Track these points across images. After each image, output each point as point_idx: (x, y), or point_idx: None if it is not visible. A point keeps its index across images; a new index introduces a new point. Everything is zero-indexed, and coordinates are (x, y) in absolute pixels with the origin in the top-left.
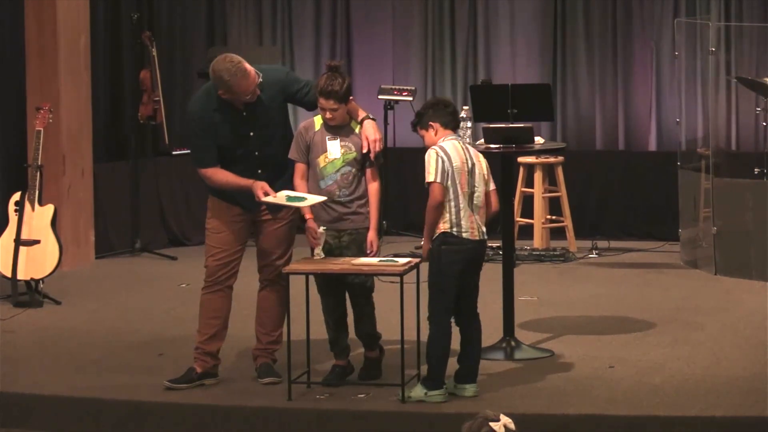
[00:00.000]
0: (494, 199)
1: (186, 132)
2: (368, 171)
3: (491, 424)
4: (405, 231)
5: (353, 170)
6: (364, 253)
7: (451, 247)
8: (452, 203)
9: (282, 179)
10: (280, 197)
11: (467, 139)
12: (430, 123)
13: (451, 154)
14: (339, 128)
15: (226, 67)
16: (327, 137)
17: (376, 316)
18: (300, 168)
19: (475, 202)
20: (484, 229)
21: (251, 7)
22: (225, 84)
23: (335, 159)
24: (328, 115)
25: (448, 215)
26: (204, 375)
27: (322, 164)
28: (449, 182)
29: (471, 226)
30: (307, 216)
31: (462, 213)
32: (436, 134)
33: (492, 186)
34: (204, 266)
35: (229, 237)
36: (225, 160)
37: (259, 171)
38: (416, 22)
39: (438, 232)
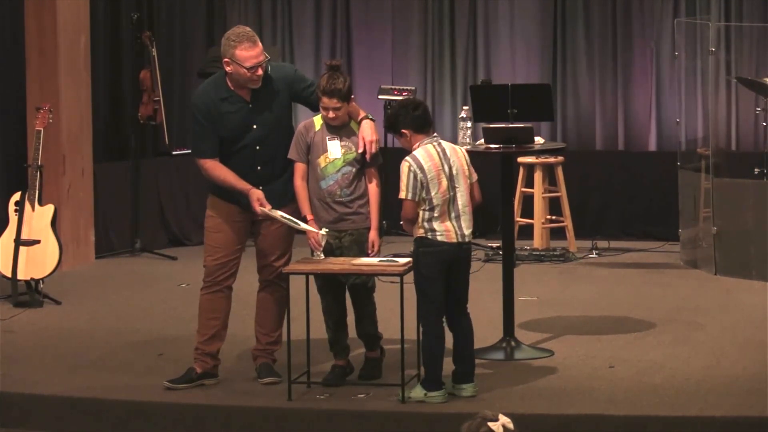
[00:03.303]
0: (477, 191)
1: (189, 122)
2: (368, 171)
3: (489, 424)
4: (405, 231)
5: (354, 170)
6: (365, 254)
7: (428, 249)
8: (426, 213)
9: (282, 179)
10: (274, 213)
11: (467, 139)
12: (402, 130)
13: (425, 164)
14: (339, 128)
15: (237, 31)
16: (327, 137)
17: (377, 317)
18: (300, 168)
19: (459, 203)
20: (466, 231)
21: (251, 7)
22: (230, 47)
23: (336, 159)
24: (331, 114)
25: (420, 222)
26: (204, 375)
27: (322, 164)
28: (423, 194)
29: (446, 229)
30: (309, 218)
31: (435, 219)
32: (410, 140)
33: (474, 177)
34: (203, 266)
35: (228, 236)
36: (224, 153)
37: (258, 168)
38: (416, 22)
39: (415, 237)
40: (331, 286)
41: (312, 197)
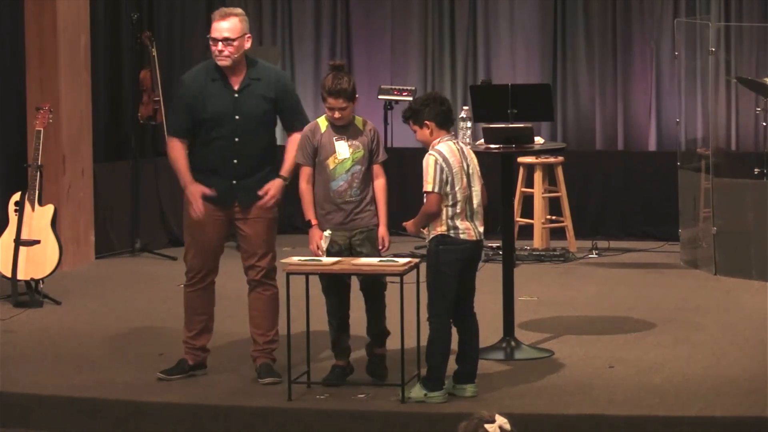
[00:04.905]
0: (484, 193)
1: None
2: (375, 167)
3: (486, 426)
4: (404, 231)
5: (362, 168)
6: (377, 250)
7: (449, 247)
8: (449, 209)
9: (255, 177)
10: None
11: (467, 139)
12: (426, 122)
13: (450, 158)
14: (345, 128)
15: (222, 7)
16: (334, 138)
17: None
18: (306, 171)
19: (475, 203)
20: (481, 230)
21: (251, 7)
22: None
23: (345, 159)
24: (336, 114)
25: (444, 219)
26: (195, 367)
27: (332, 166)
28: (448, 188)
29: (467, 227)
30: (313, 222)
31: (457, 216)
32: (431, 134)
33: (481, 180)
34: (184, 261)
35: (207, 234)
36: (202, 141)
37: (235, 161)
38: (416, 22)
39: (435, 234)
40: (336, 286)
41: (320, 200)
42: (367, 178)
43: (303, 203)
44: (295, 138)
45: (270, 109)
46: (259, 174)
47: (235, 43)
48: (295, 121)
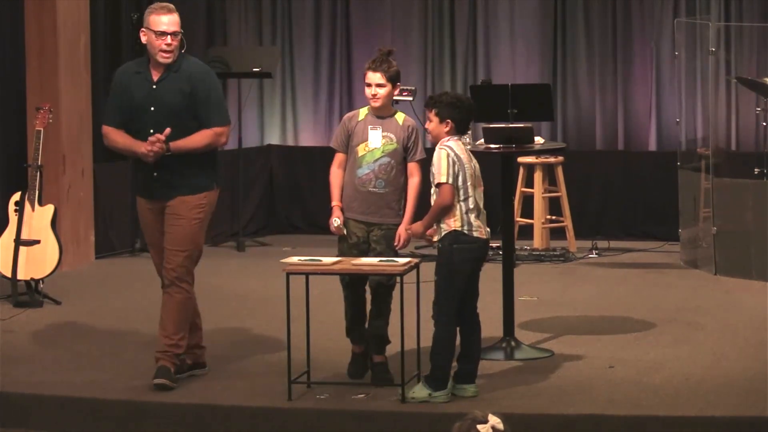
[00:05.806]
0: None
1: None
2: (411, 165)
3: (479, 426)
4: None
5: (392, 162)
6: (392, 249)
7: (463, 246)
8: (462, 203)
9: (176, 170)
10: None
11: (467, 139)
12: (449, 119)
13: (460, 155)
14: (383, 119)
15: (158, 2)
16: (369, 126)
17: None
18: (339, 157)
19: (479, 203)
20: (488, 228)
21: (251, 7)
22: (147, 14)
23: (375, 149)
24: (373, 91)
25: (459, 214)
26: (194, 366)
27: (360, 153)
28: (460, 182)
29: (479, 225)
30: (333, 204)
31: (471, 212)
32: (447, 132)
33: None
34: None
35: (153, 235)
36: (130, 133)
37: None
38: (416, 22)
39: (448, 230)
40: (353, 280)
41: (348, 185)
42: (398, 175)
43: (330, 186)
44: (207, 133)
45: (187, 103)
46: (183, 169)
47: (179, 37)
48: (209, 115)
